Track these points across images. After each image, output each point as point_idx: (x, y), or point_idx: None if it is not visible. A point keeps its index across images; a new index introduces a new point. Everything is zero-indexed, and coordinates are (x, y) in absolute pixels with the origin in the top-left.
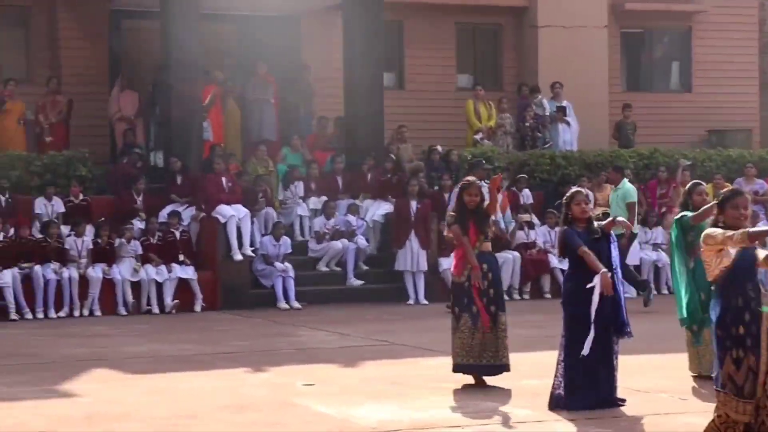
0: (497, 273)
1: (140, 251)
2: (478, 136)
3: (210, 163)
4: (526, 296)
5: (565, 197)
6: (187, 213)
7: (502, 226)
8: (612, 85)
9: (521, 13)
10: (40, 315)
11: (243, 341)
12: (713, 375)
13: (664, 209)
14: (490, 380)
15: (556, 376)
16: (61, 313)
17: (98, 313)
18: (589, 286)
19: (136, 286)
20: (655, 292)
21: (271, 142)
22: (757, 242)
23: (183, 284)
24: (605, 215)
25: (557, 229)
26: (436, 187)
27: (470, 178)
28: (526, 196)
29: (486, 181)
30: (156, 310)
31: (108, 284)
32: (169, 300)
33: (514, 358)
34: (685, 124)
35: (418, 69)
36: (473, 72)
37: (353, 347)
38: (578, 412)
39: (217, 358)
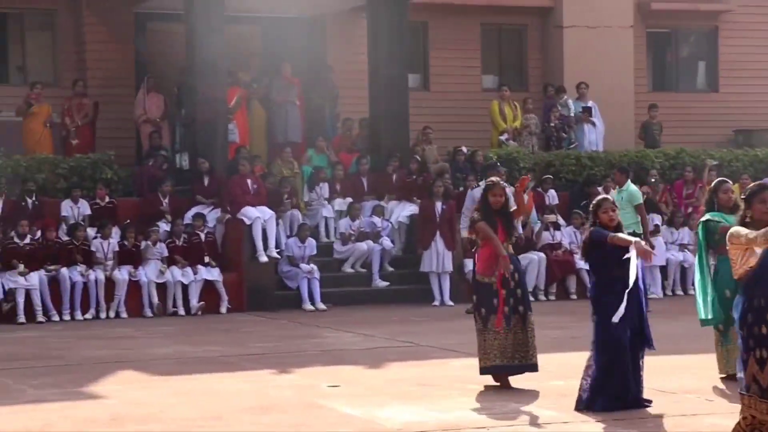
0: (522, 274)
1: (166, 253)
2: (503, 137)
3: (235, 165)
4: (552, 297)
5: (591, 205)
6: (212, 215)
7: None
8: (638, 85)
9: (546, 13)
10: (67, 317)
11: (268, 343)
12: (738, 376)
13: (690, 209)
14: (515, 382)
15: (584, 378)
16: (88, 315)
17: (124, 315)
18: (625, 257)
19: (162, 288)
20: (680, 292)
21: (296, 144)
22: None
23: (208, 286)
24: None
25: (583, 230)
26: (461, 188)
27: (494, 178)
28: (552, 196)
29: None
30: (181, 311)
31: (134, 286)
32: (194, 302)
33: (540, 359)
34: (711, 124)
35: (443, 70)
36: (498, 73)
37: (378, 348)
38: (605, 413)
39: (242, 360)
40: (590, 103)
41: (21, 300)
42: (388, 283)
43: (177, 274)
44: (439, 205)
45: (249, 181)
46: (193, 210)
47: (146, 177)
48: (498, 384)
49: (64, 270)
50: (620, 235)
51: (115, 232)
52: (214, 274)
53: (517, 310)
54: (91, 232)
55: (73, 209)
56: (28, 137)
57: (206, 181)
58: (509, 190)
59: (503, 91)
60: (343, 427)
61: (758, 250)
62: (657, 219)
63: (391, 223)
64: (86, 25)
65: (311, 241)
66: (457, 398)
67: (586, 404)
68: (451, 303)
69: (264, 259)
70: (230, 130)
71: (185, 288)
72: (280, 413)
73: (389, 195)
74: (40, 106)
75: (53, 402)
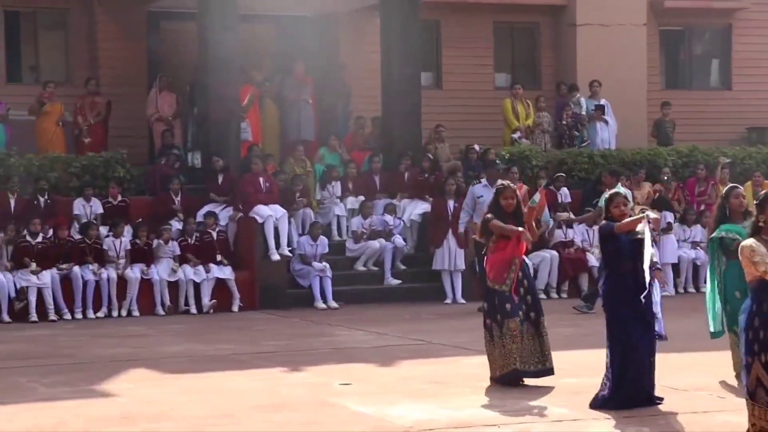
0: (532, 279)
1: (178, 252)
2: (515, 135)
3: (248, 163)
4: (564, 295)
5: (604, 199)
6: (224, 213)
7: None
8: (651, 83)
9: (559, 11)
10: (79, 315)
11: (280, 341)
12: (744, 383)
13: (702, 207)
14: (531, 380)
15: (605, 376)
16: (100, 314)
17: (136, 313)
18: (639, 236)
19: (174, 287)
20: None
21: (309, 142)
22: None
23: (220, 284)
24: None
25: (595, 227)
26: None
27: (505, 182)
28: (564, 194)
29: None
30: (194, 310)
31: (146, 285)
32: (206, 300)
33: (553, 357)
34: (724, 122)
35: (456, 68)
36: (511, 71)
37: (390, 347)
38: (617, 411)
39: (254, 358)
40: (603, 101)
41: (33, 298)
42: (400, 281)
43: (189, 272)
44: (451, 204)
45: (261, 180)
46: (205, 208)
47: (158, 175)
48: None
49: (76, 268)
50: (625, 223)
51: (128, 230)
52: (226, 273)
53: (528, 317)
54: (103, 230)
55: (86, 208)
56: (40, 136)
57: (220, 180)
58: (524, 189)
59: (516, 90)
60: (355, 425)
61: None
62: (669, 217)
63: (403, 221)
64: (99, 24)
65: (323, 240)
66: (469, 396)
67: (601, 403)
68: (463, 301)
69: (276, 257)
70: (243, 129)
71: (197, 286)
72: (292, 411)
73: (401, 193)
74: (52, 104)
75: (65, 400)
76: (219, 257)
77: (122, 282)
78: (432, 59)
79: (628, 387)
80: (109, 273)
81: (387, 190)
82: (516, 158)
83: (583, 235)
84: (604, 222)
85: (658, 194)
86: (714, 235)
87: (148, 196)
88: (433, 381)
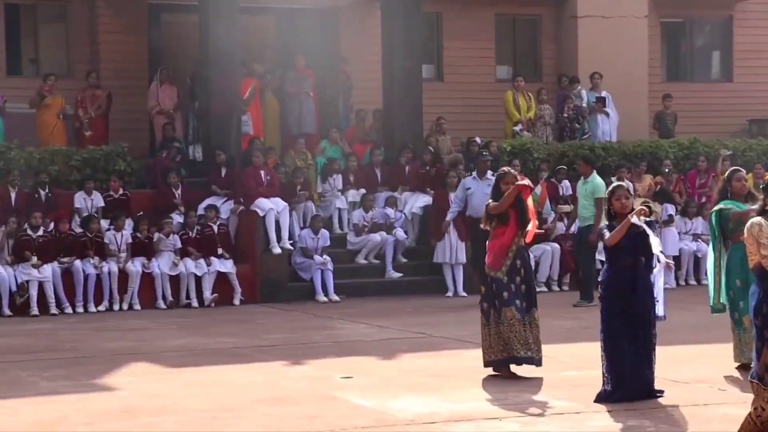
0: (530, 269)
1: (179, 245)
2: (517, 128)
3: (249, 156)
4: (566, 288)
5: (607, 191)
6: (225, 206)
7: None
8: (652, 75)
9: (560, 3)
10: (80, 309)
11: (281, 334)
12: (753, 367)
13: (704, 199)
14: (529, 372)
15: (603, 369)
16: (101, 307)
17: (137, 307)
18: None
19: (175, 280)
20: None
21: (310, 135)
22: None
23: (222, 278)
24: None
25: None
26: None
27: (505, 168)
28: (566, 187)
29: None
30: (195, 303)
31: (147, 278)
32: (207, 293)
33: (554, 350)
34: (725, 114)
35: (457, 61)
36: (512, 63)
37: (392, 340)
38: (618, 404)
39: (255, 351)
40: (604, 94)
41: (34, 292)
42: (401, 275)
43: (190, 265)
44: (452, 196)
45: (262, 173)
46: (207, 201)
47: (159, 168)
48: (499, 374)
49: (77, 262)
50: (612, 235)
51: (129, 224)
52: (227, 266)
53: (522, 306)
54: (104, 224)
55: (87, 201)
56: (41, 129)
57: (223, 173)
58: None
59: (517, 82)
60: (356, 418)
61: None
62: (671, 209)
63: (404, 214)
64: (99, 17)
65: (324, 233)
66: (470, 389)
67: (604, 397)
68: (464, 294)
69: (277, 250)
70: (244, 122)
71: (198, 280)
72: (293, 405)
73: (402, 186)
74: (53, 97)
75: (66, 394)
76: (220, 251)
77: (123, 275)
78: (433, 52)
79: (628, 381)
80: (110, 266)
81: (388, 182)
82: (517, 151)
83: None
84: (601, 233)
85: (659, 186)
86: (714, 207)
87: (149, 190)
88: (435, 374)
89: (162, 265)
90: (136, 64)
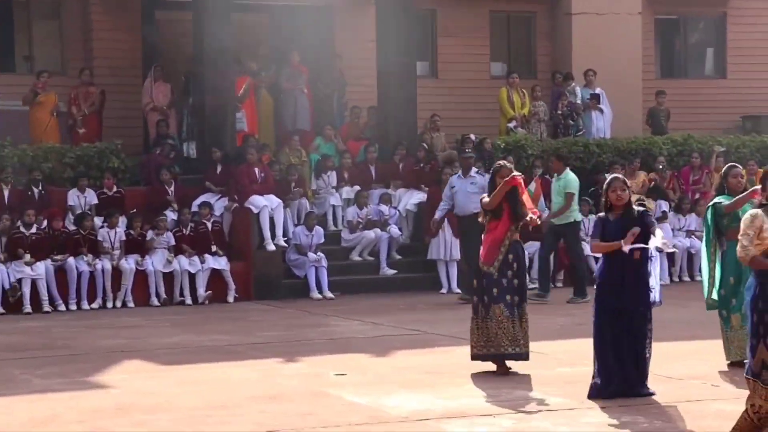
0: (523, 264)
1: (173, 242)
2: (511, 125)
3: (243, 153)
4: (560, 284)
5: (605, 183)
6: (219, 203)
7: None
8: (646, 71)
9: (555, 0)
10: (73, 307)
11: (275, 331)
12: (746, 362)
13: (697, 196)
14: (521, 368)
15: (594, 365)
16: (94, 305)
17: (131, 304)
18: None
19: (169, 277)
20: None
21: (304, 132)
22: None
23: (216, 275)
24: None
25: (591, 216)
26: None
27: (501, 162)
28: None
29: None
30: (189, 301)
31: (141, 275)
32: (201, 291)
33: (547, 346)
34: (719, 110)
35: (452, 58)
36: (507, 60)
37: (386, 337)
38: (611, 399)
39: (249, 349)
40: (598, 90)
41: (27, 290)
42: (395, 271)
43: (184, 263)
44: None
45: (256, 170)
46: (200, 198)
47: (153, 166)
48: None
49: (70, 259)
50: (601, 246)
51: (122, 221)
52: (221, 263)
53: (513, 300)
54: (97, 221)
55: (80, 198)
56: (34, 126)
57: (218, 170)
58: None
59: (512, 79)
60: (350, 415)
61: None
62: (664, 205)
63: (398, 211)
64: (93, 14)
65: (319, 230)
66: (464, 386)
67: (595, 392)
68: (458, 291)
69: (271, 247)
70: (238, 119)
71: (192, 277)
72: (288, 402)
73: (397, 183)
74: (46, 95)
75: (59, 392)
76: (214, 248)
77: (117, 273)
78: (428, 49)
79: (614, 377)
80: (104, 264)
81: (382, 179)
82: (512, 147)
83: None
84: (597, 217)
85: (653, 183)
86: (710, 203)
87: (142, 187)
88: (429, 371)
89: (156, 262)
90: (130, 61)
